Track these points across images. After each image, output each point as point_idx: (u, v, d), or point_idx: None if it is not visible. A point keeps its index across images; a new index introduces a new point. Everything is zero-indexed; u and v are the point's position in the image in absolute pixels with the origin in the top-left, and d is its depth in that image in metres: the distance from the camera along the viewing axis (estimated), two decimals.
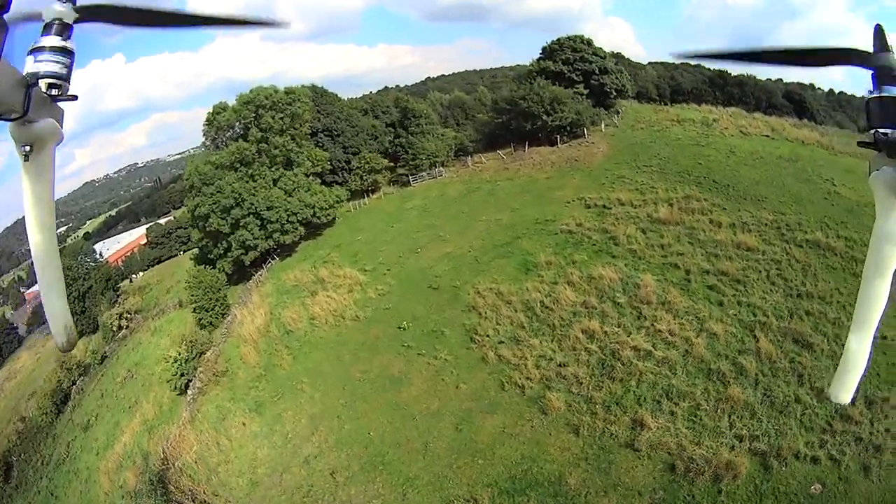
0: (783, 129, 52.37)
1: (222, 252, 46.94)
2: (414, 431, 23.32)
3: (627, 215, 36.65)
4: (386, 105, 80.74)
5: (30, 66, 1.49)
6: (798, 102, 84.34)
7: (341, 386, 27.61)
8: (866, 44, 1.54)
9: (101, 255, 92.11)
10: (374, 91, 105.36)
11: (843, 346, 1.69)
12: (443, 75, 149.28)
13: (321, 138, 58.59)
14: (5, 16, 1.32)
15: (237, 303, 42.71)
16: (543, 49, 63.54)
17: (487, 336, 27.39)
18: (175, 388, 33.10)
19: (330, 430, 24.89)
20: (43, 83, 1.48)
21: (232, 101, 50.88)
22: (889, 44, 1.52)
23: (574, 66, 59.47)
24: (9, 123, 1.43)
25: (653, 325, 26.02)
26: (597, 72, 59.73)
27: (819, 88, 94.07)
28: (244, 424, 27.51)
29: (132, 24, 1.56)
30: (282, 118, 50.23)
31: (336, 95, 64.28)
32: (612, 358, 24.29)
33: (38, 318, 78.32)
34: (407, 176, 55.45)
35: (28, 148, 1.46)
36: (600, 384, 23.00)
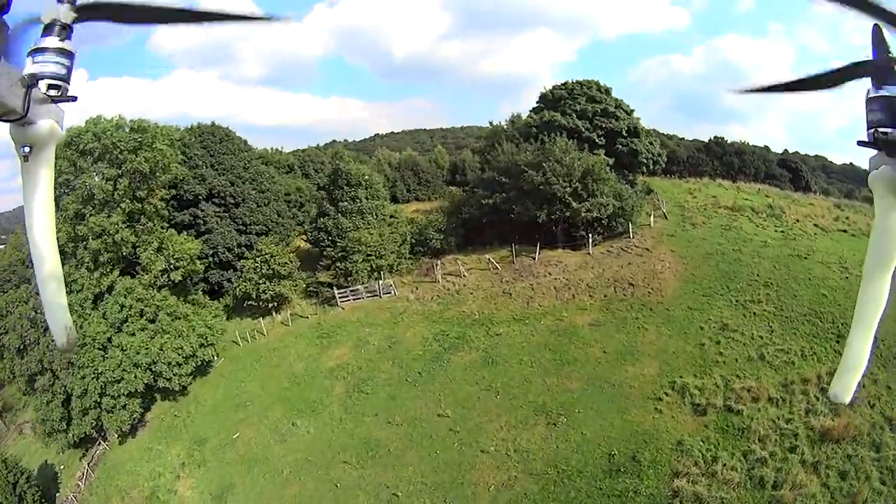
0: (846, 217, 38.93)
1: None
2: None
3: (779, 431, 19.59)
4: (320, 160, 59.91)
5: (29, 66, 1.46)
6: (794, 171, 75.91)
7: None
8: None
9: None
10: (322, 144, 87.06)
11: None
12: (392, 132, 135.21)
13: (204, 209, 36.30)
14: (5, 16, 1.29)
15: None
16: (542, 97, 45.12)
17: None
18: None
19: None
20: (43, 84, 1.45)
21: None
22: (887, 43, 1.50)
23: (594, 121, 41.14)
24: (8, 124, 1.42)
25: None
26: (625, 133, 41.64)
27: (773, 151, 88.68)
28: None
29: (133, 21, 1.50)
30: (115, 180, 28.44)
31: (244, 141, 42.42)
32: None
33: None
34: (332, 287, 33.19)
35: (28, 149, 1.44)
36: None
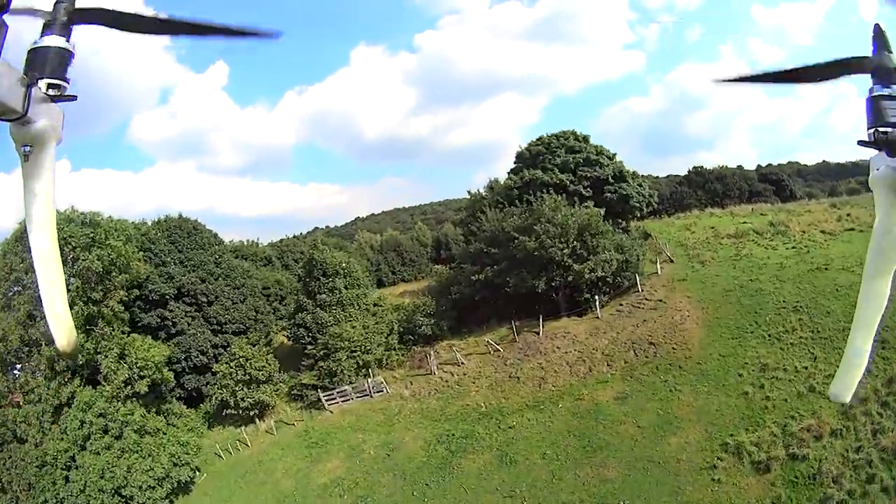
0: (848, 215, 36.45)
1: None
2: None
3: (851, 465, 18.17)
4: (300, 250, 57.91)
5: (29, 65, 1.47)
6: (776, 182, 76.05)
7: None
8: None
9: None
10: (304, 233, 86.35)
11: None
12: (372, 214, 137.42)
13: (173, 310, 33.35)
14: (5, 16, 1.30)
15: None
16: (519, 156, 43.89)
17: None
18: None
19: None
20: (42, 83, 1.44)
21: None
22: (889, 43, 1.51)
23: (578, 172, 39.69)
24: (8, 124, 1.42)
25: None
26: (611, 179, 40.16)
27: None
28: None
29: (128, 29, 1.49)
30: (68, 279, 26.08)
31: (214, 234, 40.26)
32: None
33: None
34: (316, 389, 29.82)
35: (28, 148, 1.44)
36: None
